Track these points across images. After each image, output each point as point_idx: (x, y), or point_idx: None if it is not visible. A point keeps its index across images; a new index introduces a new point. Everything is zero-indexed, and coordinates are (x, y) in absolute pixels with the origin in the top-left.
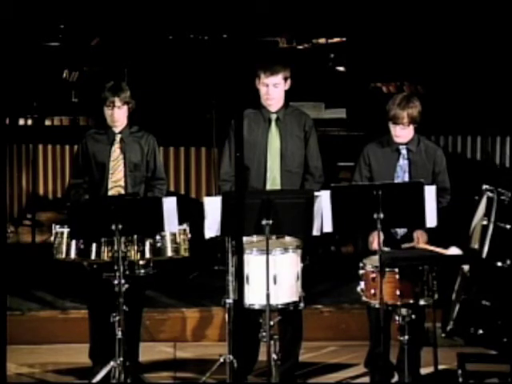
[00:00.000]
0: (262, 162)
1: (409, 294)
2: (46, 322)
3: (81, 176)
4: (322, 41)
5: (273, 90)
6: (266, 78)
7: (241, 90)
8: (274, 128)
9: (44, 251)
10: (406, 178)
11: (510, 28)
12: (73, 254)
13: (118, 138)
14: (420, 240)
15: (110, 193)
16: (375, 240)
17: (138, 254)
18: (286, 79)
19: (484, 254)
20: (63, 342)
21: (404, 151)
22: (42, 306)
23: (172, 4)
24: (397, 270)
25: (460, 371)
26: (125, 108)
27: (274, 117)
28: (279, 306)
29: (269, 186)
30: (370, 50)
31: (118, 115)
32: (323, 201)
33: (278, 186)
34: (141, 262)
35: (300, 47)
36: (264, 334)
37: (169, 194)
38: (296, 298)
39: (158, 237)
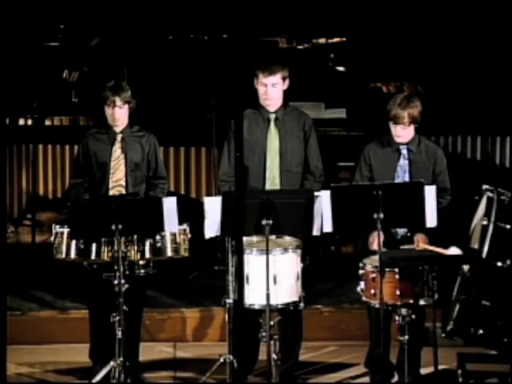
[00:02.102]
0: (261, 161)
1: (409, 294)
2: (46, 321)
3: (81, 175)
4: (322, 41)
5: (271, 89)
6: (264, 78)
7: (241, 90)
8: (273, 128)
9: (44, 251)
10: (407, 178)
11: (510, 28)
12: (73, 254)
13: (118, 137)
14: (420, 244)
15: (111, 192)
16: (375, 240)
17: (138, 253)
18: (284, 79)
19: (484, 254)
20: (63, 342)
21: (404, 151)
22: (41, 306)
23: (172, 4)
24: (397, 270)
25: (460, 371)
26: (125, 107)
27: (272, 117)
28: (279, 306)
29: (268, 186)
30: (370, 49)
31: (119, 114)
32: (323, 201)
33: (277, 186)
34: (141, 262)
35: (300, 47)
36: (264, 334)
37: (169, 193)
38: (296, 298)
39: (158, 237)
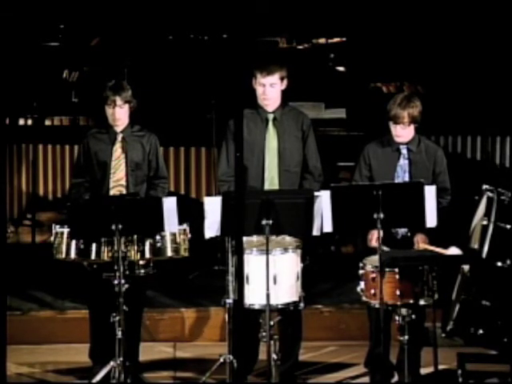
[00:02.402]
0: (260, 161)
1: (409, 294)
2: (46, 321)
3: (82, 175)
4: (322, 41)
5: (269, 89)
6: (262, 78)
7: (241, 90)
8: (271, 128)
9: (44, 251)
10: (407, 178)
11: (510, 28)
12: (73, 254)
13: (119, 137)
14: (420, 244)
15: (112, 192)
16: (374, 237)
17: (138, 253)
18: (282, 79)
19: (484, 254)
20: (63, 342)
21: (404, 151)
22: (41, 306)
23: (172, 4)
24: (397, 270)
25: (460, 371)
26: (126, 107)
27: (271, 117)
28: (279, 306)
29: (267, 186)
30: (370, 49)
31: (119, 114)
32: (323, 201)
33: (276, 186)
34: (141, 262)
35: (300, 47)
36: (264, 333)
37: (169, 194)
38: (296, 298)
39: (158, 237)
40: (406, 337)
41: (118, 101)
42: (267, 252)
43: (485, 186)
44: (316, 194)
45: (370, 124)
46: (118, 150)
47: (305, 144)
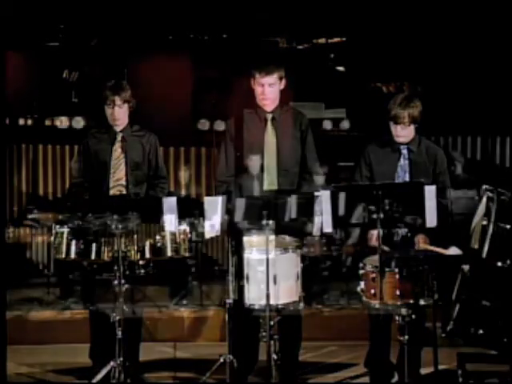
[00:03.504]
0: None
1: (409, 294)
2: (46, 322)
3: (82, 175)
4: (322, 41)
5: (268, 89)
6: (261, 78)
7: (241, 90)
8: (270, 128)
9: (44, 251)
10: (407, 178)
11: (510, 28)
12: (73, 254)
13: (119, 136)
14: (420, 245)
15: (112, 192)
16: (374, 236)
17: (138, 253)
18: (280, 79)
19: (484, 254)
20: (63, 342)
21: (405, 151)
22: (42, 306)
23: (172, 4)
24: (397, 270)
25: (460, 371)
26: (125, 107)
27: (269, 116)
28: (279, 306)
29: (266, 186)
30: (370, 49)
31: (119, 114)
32: (323, 201)
33: (275, 186)
34: (141, 262)
35: (300, 47)
36: (264, 333)
37: (169, 194)
38: (296, 298)
39: (157, 237)
40: (406, 337)
41: (118, 101)
42: (267, 252)
43: (485, 186)
44: (316, 193)
45: (370, 124)
46: (117, 149)
47: (304, 144)
